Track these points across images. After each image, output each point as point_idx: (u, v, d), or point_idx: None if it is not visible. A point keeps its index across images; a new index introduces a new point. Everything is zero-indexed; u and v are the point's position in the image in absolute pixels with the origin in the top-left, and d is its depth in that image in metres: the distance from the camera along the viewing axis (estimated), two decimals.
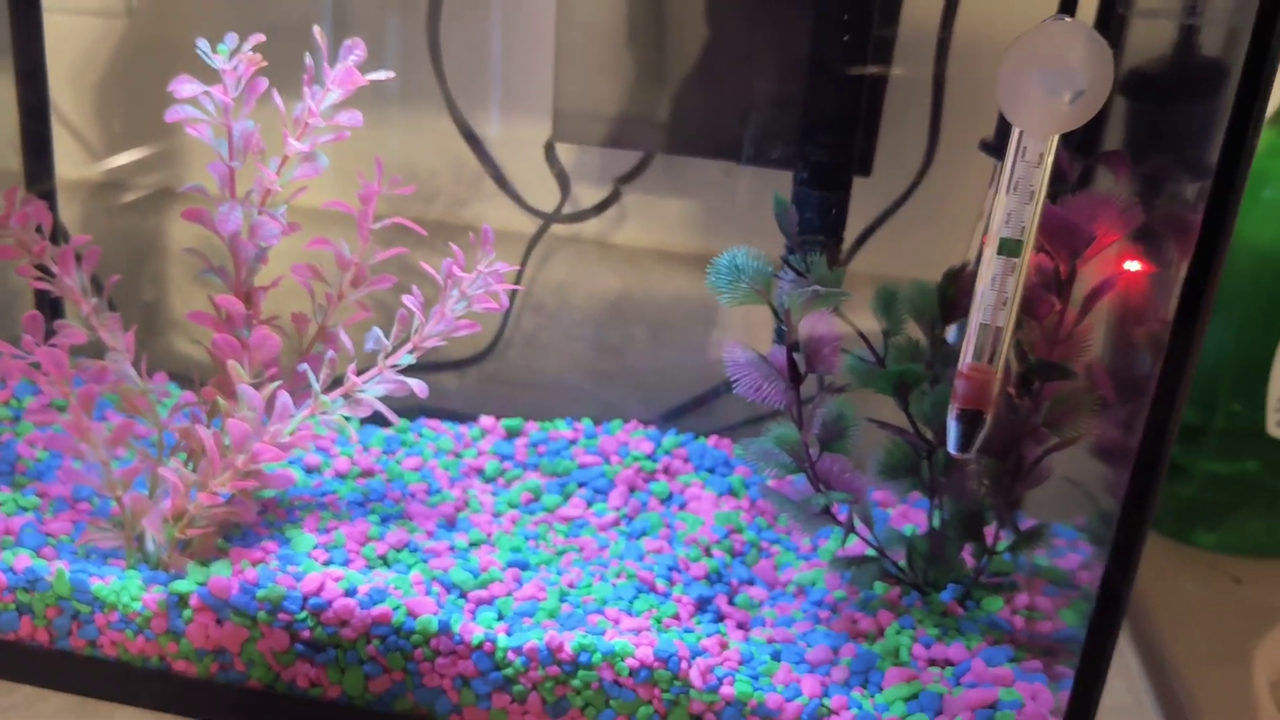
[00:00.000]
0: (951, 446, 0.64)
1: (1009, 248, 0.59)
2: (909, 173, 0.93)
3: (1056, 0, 0.79)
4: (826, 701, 0.68)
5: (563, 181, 0.98)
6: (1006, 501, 0.73)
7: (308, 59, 0.69)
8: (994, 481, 0.72)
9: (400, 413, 0.78)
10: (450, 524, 0.85)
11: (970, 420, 0.62)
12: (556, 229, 1.01)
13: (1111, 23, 0.77)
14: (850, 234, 0.89)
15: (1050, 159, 0.58)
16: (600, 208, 0.99)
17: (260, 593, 0.72)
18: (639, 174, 0.99)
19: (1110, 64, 0.55)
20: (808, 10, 0.80)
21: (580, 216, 0.99)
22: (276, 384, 0.70)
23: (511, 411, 0.98)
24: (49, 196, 0.95)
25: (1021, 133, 0.58)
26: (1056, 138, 0.58)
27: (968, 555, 0.78)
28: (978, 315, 0.61)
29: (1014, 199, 0.59)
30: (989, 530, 0.76)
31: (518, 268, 0.71)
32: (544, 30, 0.91)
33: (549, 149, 0.97)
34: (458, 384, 1.04)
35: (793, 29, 0.83)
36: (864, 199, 0.89)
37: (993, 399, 0.62)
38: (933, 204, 0.94)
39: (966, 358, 0.62)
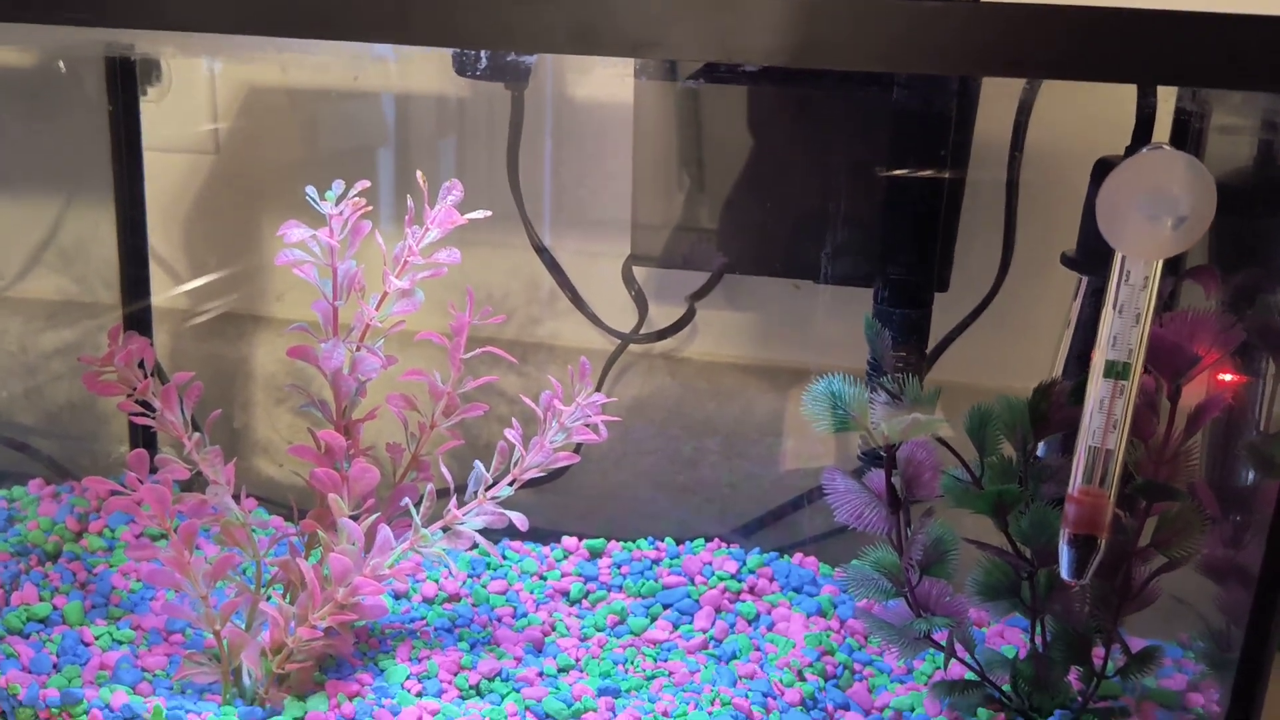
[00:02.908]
0: (1065, 572, 0.63)
1: (1116, 370, 0.59)
2: (985, 283, 0.93)
3: (1129, 117, 0.80)
4: None
5: (640, 302, 1.00)
6: (1115, 623, 0.71)
7: (409, 200, 0.72)
8: (1102, 603, 0.70)
9: (485, 534, 0.78)
10: (538, 649, 0.84)
11: (1084, 545, 0.61)
12: (631, 345, 1.02)
13: (1188, 140, 0.78)
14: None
15: (1156, 282, 0.58)
16: (676, 327, 1.00)
17: None
18: (710, 290, 1.00)
19: (1213, 191, 0.56)
20: (885, 134, 0.82)
21: (657, 336, 1.01)
22: (375, 516, 0.71)
23: (589, 527, 0.98)
24: (144, 328, 0.97)
25: (1124, 257, 0.58)
26: (1160, 261, 0.58)
27: (1073, 678, 0.76)
28: (1086, 438, 0.60)
29: (1119, 321, 0.59)
30: (1096, 652, 0.74)
31: (614, 399, 0.72)
32: (623, 155, 0.94)
33: (626, 270, 0.99)
34: (536, 500, 1.05)
35: (870, 152, 0.85)
36: (941, 310, 0.89)
37: (1106, 523, 0.61)
38: (1008, 314, 0.94)
39: (1076, 481, 0.61)
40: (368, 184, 0.71)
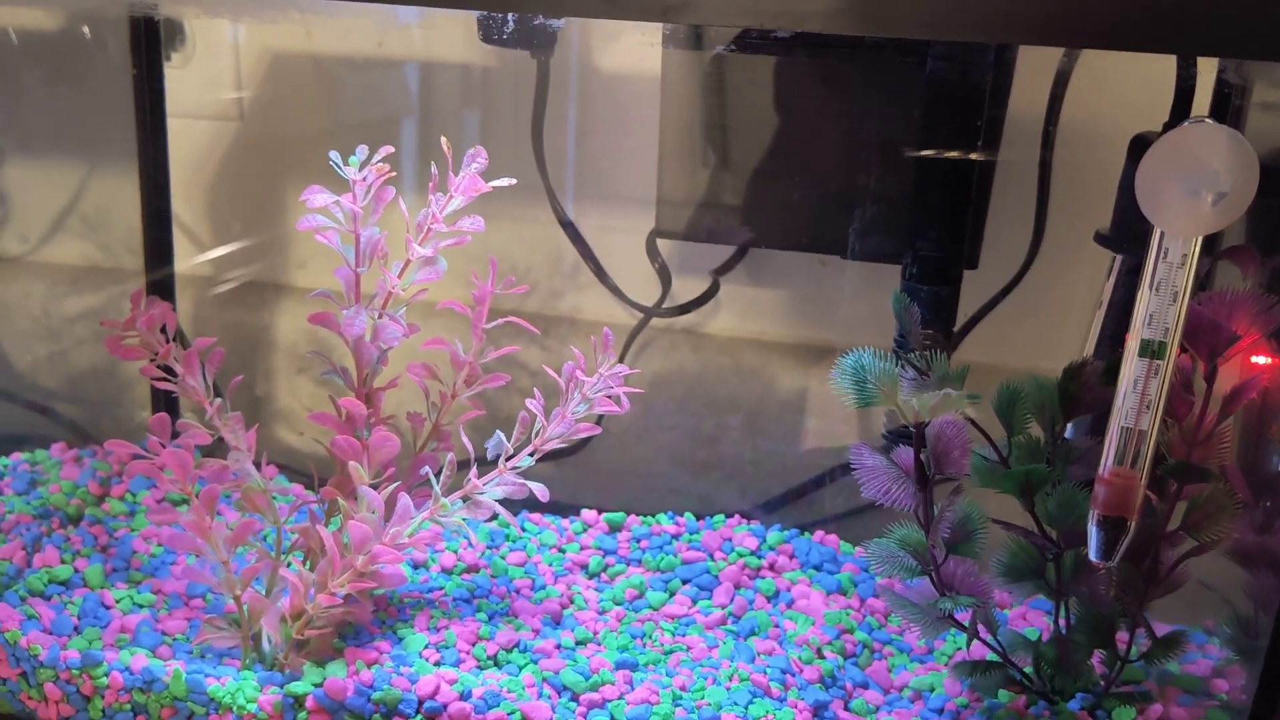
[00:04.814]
0: (1093, 554, 0.62)
1: (1152, 349, 0.58)
2: (1014, 262, 0.92)
3: (1166, 94, 0.78)
4: None
5: (664, 276, 0.99)
6: (1140, 607, 0.70)
7: (433, 167, 0.71)
8: (1128, 586, 0.69)
9: (504, 505, 0.78)
10: (556, 621, 0.84)
11: (1114, 527, 0.60)
12: (653, 319, 1.01)
13: (1228, 116, 0.77)
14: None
15: (1194, 260, 0.56)
16: (699, 301, 0.99)
17: (376, 695, 0.71)
18: (734, 265, 0.99)
19: (1255, 167, 0.55)
20: (916, 110, 0.80)
21: (680, 310, 1.00)
22: (395, 485, 0.71)
23: (609, 501, 0.97)
24: (168, 295, 0.97)
25: (1163, 234, 0.57)
26: (1200, 239, 0.56)
27: (1096, 662, 0.75)
28: (1119, 418, 0.59)
29: (1156, 300, 0.58)
30: (1120, 636, 0.73)
31: (637, 370, 0.71)
32: (649, 127, 0.93)
33: (650, 243, 0.98)
34: (556, 473, 1.04)
35: (901, 125, 0.84)
36: (969, 288, 0.88)
37: (1137, 505, 0.60)
38: (1038, 293, 0.92)
39: (1108, 462, 0.60)
40: (391, 149, 0.70)
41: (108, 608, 0.82)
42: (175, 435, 0.74)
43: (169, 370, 0.77)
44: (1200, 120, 0.56)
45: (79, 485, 0.95)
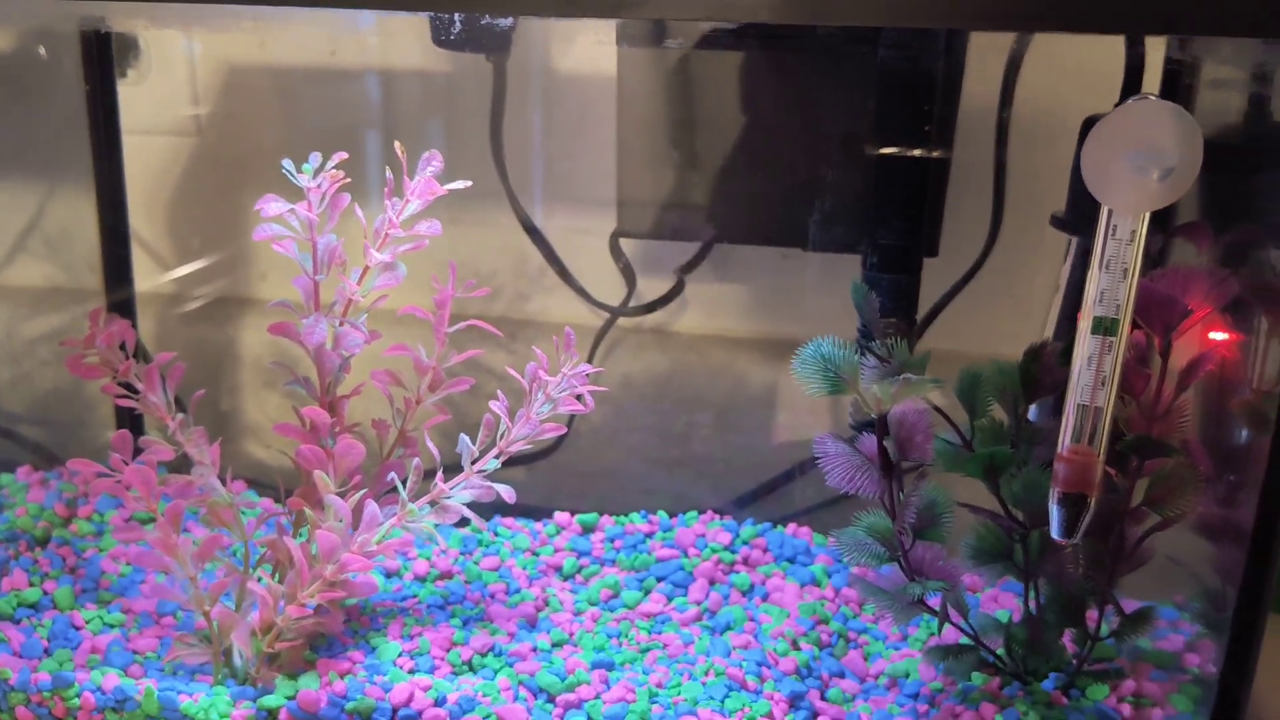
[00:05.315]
0: (1055, 532, 0.62)
1: (1104, 326, 0.59)
2: (974, 250, 0.92)
3: (1118, 77, 0.79)
4: None
5: (628, 275, 0.99)
6: (1108, 584, 0.71)
7: (388, 172, 0.71)
8: (1095, 564, 0.70)
9: (474, 509, 0.77)
10: (531, 624, 0.83)
11: (1074, 504, 0.61)
12: (620, 319, 1.01)
13: (1178, 95, 0.77)
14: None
15: (1143, 236, 0.57)
16: (665, 300, 0.99)
17: (350, 705, 0.71)
18: (699, 262, 0.99)
19: (1199, 141, 0.55)
20: (871, 96, 0.81)
21: (646, 309, 1.00)
22: (362, 493, 0.70)
23: (582, 503, 0.97)
24: (129, 313, 0.96)
25: (1110, 211, 0.57)
26: (1148, 215, 0.57)
27: (1068, 641, 0.75)
28: (1075, 396, 0.60)
29: (1107, 277, 0.58)
30: (1090, 614, 0.73)
31: (600, 369, 0.71)
32: (608, 127, 0.93)
33: (614, 243, 0.98)
34: (528, 477, 1.04)
35: (855, 115, 0.84)
36: (930, 277, 0.89)
37: (1096, 482, 0.60)
38: (998, 279, 0.93)
39: (1065, 440, 0.60)
40: (345, 156, 0.70)
41: (78, 629, 0.81)
42: (138, 452, 0.73)
43: (130, 387, 0.76)
44: (1144, 97, 0.56)
45: (45, 507, 0.94)
